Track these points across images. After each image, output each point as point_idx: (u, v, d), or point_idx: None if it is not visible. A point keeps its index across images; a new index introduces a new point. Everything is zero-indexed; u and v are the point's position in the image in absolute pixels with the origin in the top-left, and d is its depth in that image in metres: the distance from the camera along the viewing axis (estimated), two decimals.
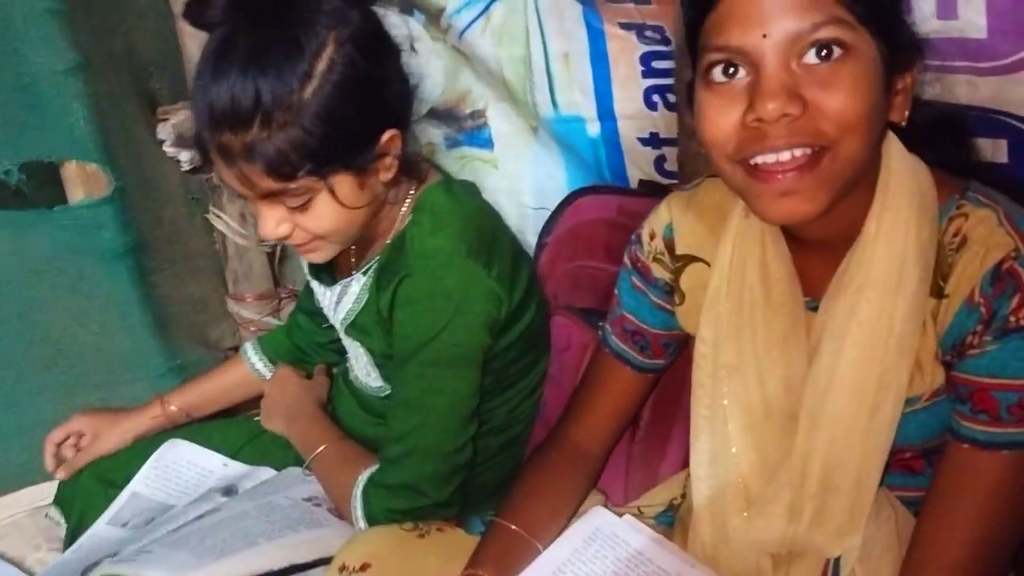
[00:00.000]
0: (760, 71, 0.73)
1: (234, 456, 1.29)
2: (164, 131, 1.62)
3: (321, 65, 0.94)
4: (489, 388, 1.16)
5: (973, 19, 0.91)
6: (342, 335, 1.24)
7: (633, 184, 1.40)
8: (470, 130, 1.56)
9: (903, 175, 0.81)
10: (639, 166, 1.37)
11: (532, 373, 1.24)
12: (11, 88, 1.36)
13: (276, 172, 0.95)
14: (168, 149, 1.63)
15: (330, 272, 1.23)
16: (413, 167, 1.10)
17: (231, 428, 1.34)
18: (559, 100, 1.39)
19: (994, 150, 0.99)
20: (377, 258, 1.13)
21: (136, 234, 1.51)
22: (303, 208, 1.00)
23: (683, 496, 1.06)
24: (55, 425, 1.38)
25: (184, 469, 1.26)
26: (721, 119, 0.76)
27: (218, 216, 1.73)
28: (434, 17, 1.46)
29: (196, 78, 0.98)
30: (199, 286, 1.73)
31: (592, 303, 1.30)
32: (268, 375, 1.40)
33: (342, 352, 1.33)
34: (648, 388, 1.08)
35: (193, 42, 1.59)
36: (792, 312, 0.88)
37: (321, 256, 1.09)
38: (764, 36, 0.72)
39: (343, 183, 0.99)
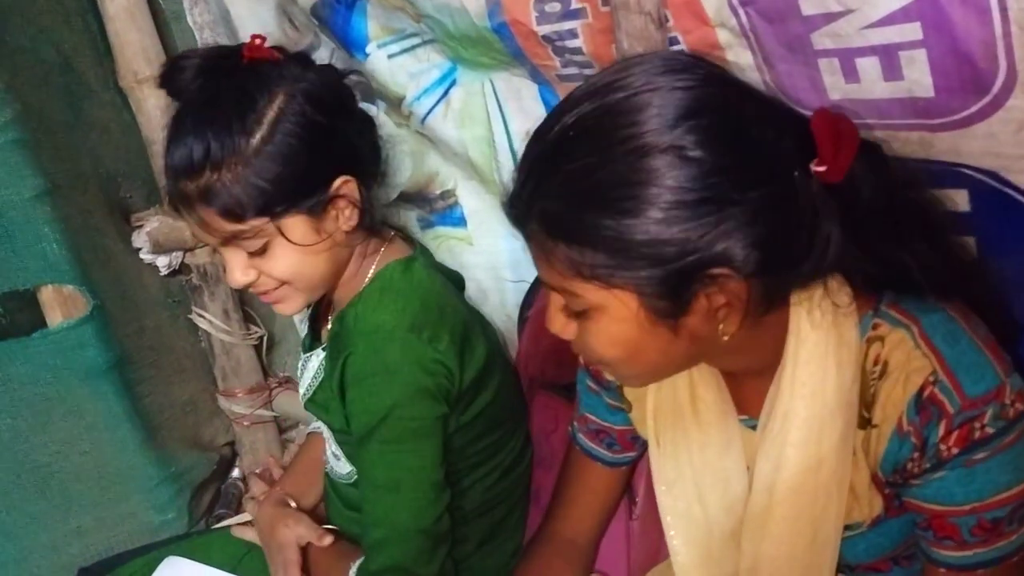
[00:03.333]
0: None
1: (234, 569, 1.28)
2: (139, 239, 1.62)
3: (270, 114, 1.01)
4: (453, 468, 1.15)
5: (919, 79, 0.91)
6: (305, 410, 1.25)
7: None
8: (442, 210, 1.57)
9: (815, 314, 0.80)
10: None
11: (503, 452, 1.23)
12: None
13: (228, 214, 1.01)
14: (145, 257, 1.63)
15: (316, 340, 1.25)
16: (374, 220, 1.13)
17: (229, 541, 1.33)
18: None
19: (956, 200, 0.99)
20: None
21: (118, 348, 1.51)
22: (263, 252, 1.04)
23: None
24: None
25: None
26: None
27: (201, 315, 1.73)
28: (395, 104, 1.48)
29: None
30: (187, 388, 1.71)
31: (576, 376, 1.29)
32: None
33: None
34: (626, 478, 1.08)
35: (159, 148, 1.60)
36: (723, 432, 0.88)
37: (290, 307, 1.11)
38: None
39: (296, 225, 1.04)
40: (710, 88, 0.73)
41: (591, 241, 0.72)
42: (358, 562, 1.13)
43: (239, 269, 1.06)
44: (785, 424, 0.81)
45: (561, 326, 0.80)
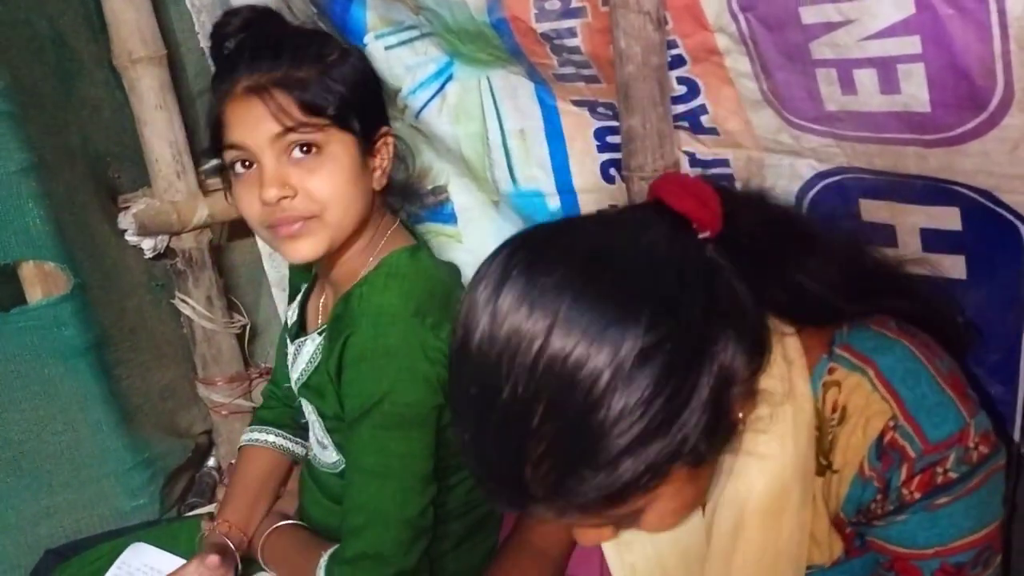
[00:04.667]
0: None
1: None
2: (125, 220, 1.61)
3: (339, 48, 1.10)
4: (441, 464, 1.14)
5: (916, 93, 0.91)
6: (298, 396, 1.24)
7: None
8: (432, 206, 1.56)
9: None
10: None
11: None
12: None
13: (308, 104, 1.04)
14: (130, 238, 1.62)
15: (303, 328, 1.25)
16: (395, 192, 1.19)
17: (199, 531, 1.30)
18: (518, 175, 1.38)
19: (947, 218, 0.99)
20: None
21: (98, 328, 1.49)
22: (311, 166, 1.05)
23: None
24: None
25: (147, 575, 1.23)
26: None
27: (184, 301, 1.71)
28: (390, 97, 1.47)
29: (217, 63, 1.12)
30: (166, 373, 1.70)
31: None
32: (290, 444, 1.37)
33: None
34: None
35: (151, 129, 1.59)
36: None
37: (308, 245, 1.07)
38: None
39: (350, 146, 1.08)
40: (601, 266, 0.68)
41: (631, 477, 0.66)
42: (330, 551, 1.12)
43: (277, 182, 1.04)
44: (740, 497, 0.79)
45: (596, 537, 0.76)
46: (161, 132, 1.59)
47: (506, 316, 0.67)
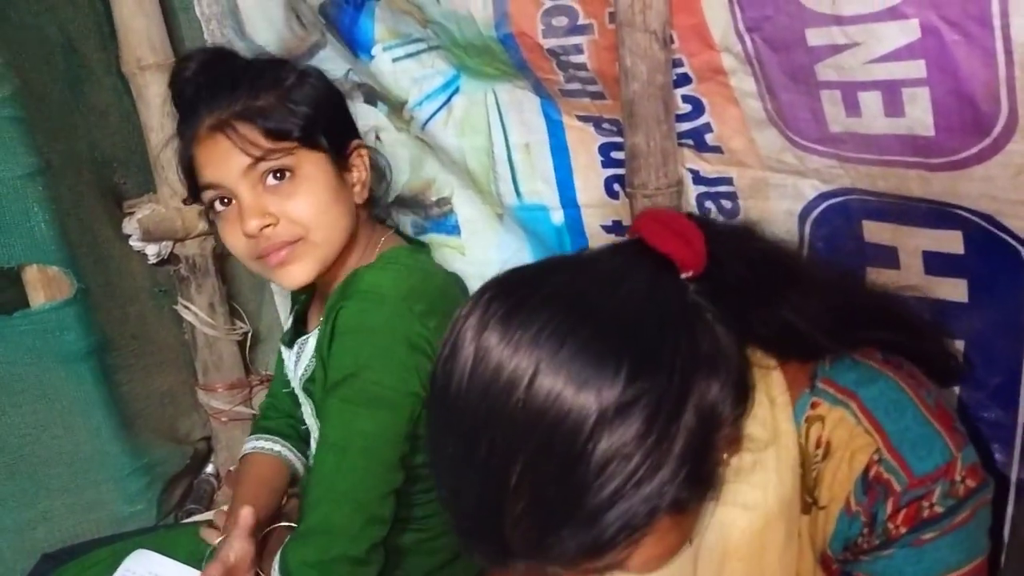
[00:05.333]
0: None
1: (199, 565, 1.25)
2: (130, 226, 1.61)
3: (295, 72, 1.12)
4: (411, 489, 1.13)
5: (920, 117, 0.91)
6: (300, 396, 1.24)
7: None
8: (436, 217, 1.56)
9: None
10: None
11: None
12: None
13: (272, 131, 1.05)
14: (134, 244, 1.62)
15: (302, 333, 1.26)
16: (379, 206, 1.21)
17: (197, 537, 1.30)
18: (522, 189, 1.39)
19: (949, 242, 0.99)
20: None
21: (100, 334, 1.49)
22: (288, 191, 1.07)
23: None
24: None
25: None
26: None
27: (186, 307, 1.72)
28: (396, 108, 1.47)
29: (180, 108, 1.13)
30: (167, 379, 1.70)
31: None
32: (292, 457, 1.37)
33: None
34: None
35: (157, 136, 1.60)
36: None
37: (300, 269, 1.09)
38: None
39: (322, 163, 1.10)
40: (578, 311, 0.67)
41: (613, 532, 0.65)
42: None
43: (257, 213, 1.05)
44: (723, 537, 0.78)
45: None
46: (168, 139, 1.60)
47: (483, 369, 0.66)
